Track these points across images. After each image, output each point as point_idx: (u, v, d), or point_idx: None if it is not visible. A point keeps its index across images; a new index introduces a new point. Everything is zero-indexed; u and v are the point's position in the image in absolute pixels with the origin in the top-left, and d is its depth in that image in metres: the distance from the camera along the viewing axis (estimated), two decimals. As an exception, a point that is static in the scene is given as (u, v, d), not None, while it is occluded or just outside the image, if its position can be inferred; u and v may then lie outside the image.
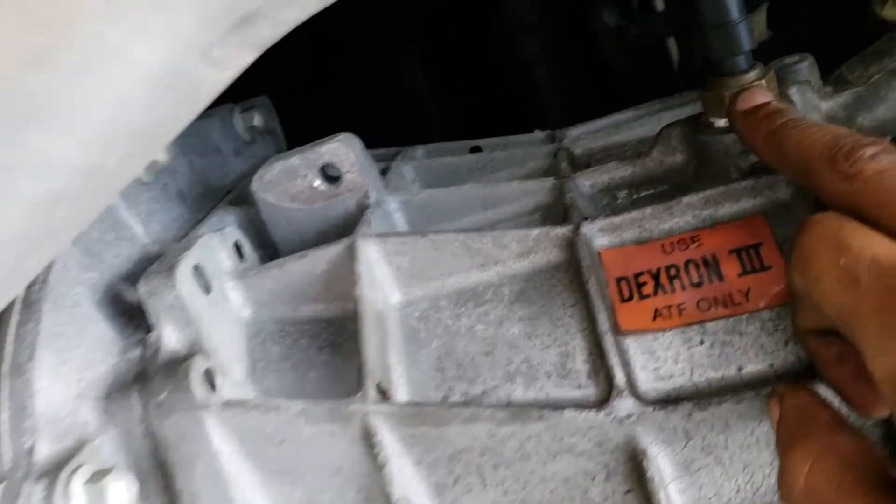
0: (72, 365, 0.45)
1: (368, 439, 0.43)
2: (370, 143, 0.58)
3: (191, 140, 0.64)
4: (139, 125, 0.27)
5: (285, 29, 0.28)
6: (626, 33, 0.86)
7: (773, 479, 0.42)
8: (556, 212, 0.54)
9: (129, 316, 0.49)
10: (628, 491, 0.42)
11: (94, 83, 0.25)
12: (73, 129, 0.26)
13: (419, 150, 0.69)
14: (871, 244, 0.31)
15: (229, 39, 0.26)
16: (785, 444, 0.36)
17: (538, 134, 0.69)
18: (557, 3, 0.90)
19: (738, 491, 0.42)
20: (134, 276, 0.51)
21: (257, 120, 0.72)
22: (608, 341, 0.43)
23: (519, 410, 0.43)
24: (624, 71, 0.88)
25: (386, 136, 0.80)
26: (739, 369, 0.42)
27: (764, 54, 0.58)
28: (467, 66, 0.95)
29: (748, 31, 0.48)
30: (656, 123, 0.61)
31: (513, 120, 0.95)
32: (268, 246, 0.58)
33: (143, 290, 0.46)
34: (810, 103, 0.51)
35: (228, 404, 0.43)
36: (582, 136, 0.64)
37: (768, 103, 0.45)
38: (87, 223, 0.31)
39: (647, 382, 0.43)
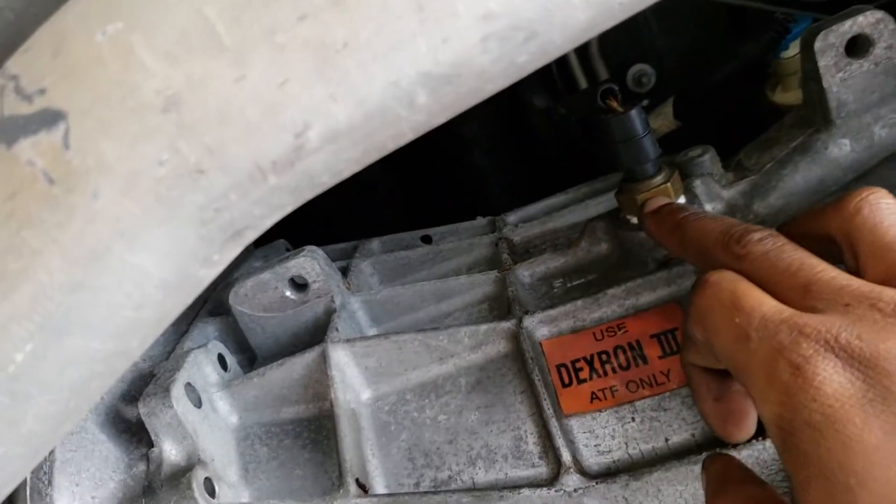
0: (84, 486, 0.51)
1: (353, 531, 0.49)
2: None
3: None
4: (154, 317, 0.34)
5: (264, 230, 0.34)
6: (555, 113, 0.95)
7: (702, 534, 0.49)
8: (502, 302, 0.61)
9: (131, 433, 0.55)
10: (581, 554, 0.49)
11: (121, 296, 0.32)
12: (104, 330, 0.32)
13: (375, 243, 0.76)
14: (761, 304, 0.36)
15: (224, 248, 0.33)
16: (711, 500, 0.43)
17: (480, 220, 0.76)
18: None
19: (673, 546, 0.49)
20: (130, 394, 0.57)
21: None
22: (553, 425, 0.50)
23: (481, 494, 0.49)
24: (554, 149, 0.96)
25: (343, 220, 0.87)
26: (667, 440, 0.50)
27: (671, 142, 0.67)
28: (413, 150, 1.02)
29: (652, 143, 0.55)
30: (584, 210, 0.69)
31: (456, 192, 1.04)
32: (246, 350, 0.64)
33: (143, 410, 0.52)
34: (713, 192, 0.59)
35: (227, 510, 0.50)
36: (519, 224, 0.71)
37: (670, 203, 0.52)
38: (109, 386, 0.37)
39: (590, 458, 0.50)
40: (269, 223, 0.34)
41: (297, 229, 0.74)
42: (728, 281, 0.38)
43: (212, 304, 0.68)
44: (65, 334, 0.31)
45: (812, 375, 0.32)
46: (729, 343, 0.36)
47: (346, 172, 0.33)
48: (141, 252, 0.31)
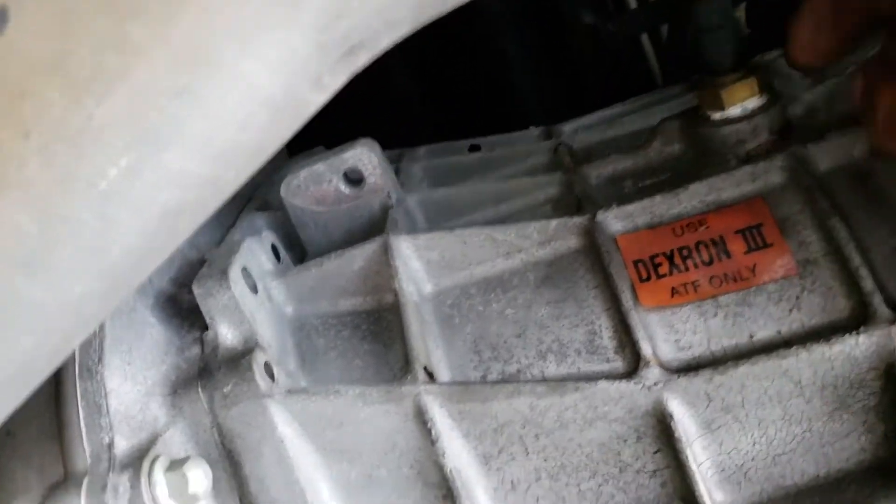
0: (136, 365, 0.48)
1: (420, 417, 0.47)
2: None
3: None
4: (255, 144, 0.31)
5: (377, 55, 0.32)
6: (603, 31, 0.91)
7: (785, 433, 0.47)
8: (567, 203, 0.58)
9: (182, 318, 0.52)
10: (657, 451, 0.47)
11: (226, 110, 0.29)
12: (204, 149, 0.30)
13: (422, 150, 0.73)
14: None
15: (336, 68, 0.30)
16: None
17: (533, 130, 0.73)
18: (535, 5, 0.95)
19: (754, 444, 0.47)
20: (179, 280, 0.55)
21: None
22: (633, 318, 0.48)
23: (556, 384, 0.47)
24: (599, 69, 0.93)
25: (372, 135, 0.84)
26: (751, 336, 0.48)
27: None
28: (448, 67, 0.99)
29: (738, 34, 0.53)
30: (646, 119, 0.66)
31: (493, 120, 1.00)
32: (295, 248, 0.61)
33: (198, 291, 0.49)
34: (792, 95, 0.56)
35: (291, 392, 0.47)
36: (577, 132, 0.68)
37: None
38: (194, 230, 0.34)
39: (670, 353, 0.48)
40: (384, 43, 0.31)
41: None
42: None
43: (257, 202, 0.65)
44: (163, 149, 0.29)
45: None
46: None
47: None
48: (253, 58, 0.28)
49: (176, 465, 0.44)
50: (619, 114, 0.71)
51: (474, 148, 0.74)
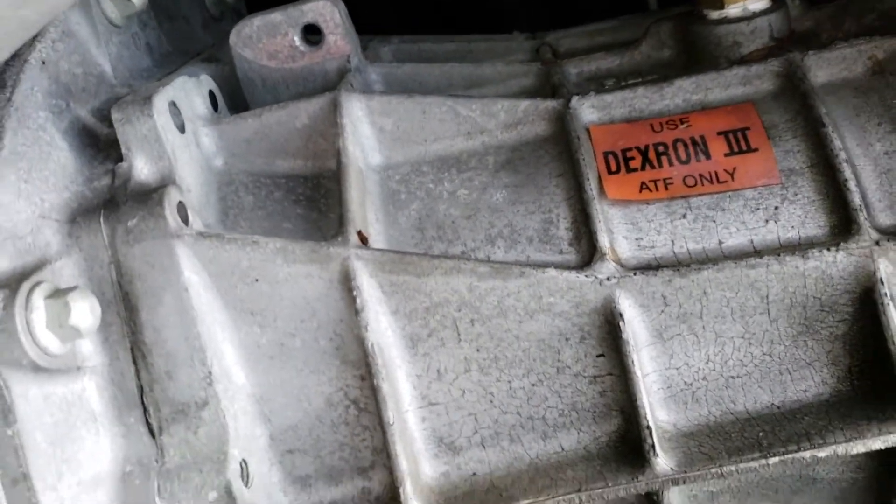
0: (34, 185, 0.42)
1: (347, 283, 0.42)
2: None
3: (160, 2, 0.61)
4: None
5: None
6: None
7: (743, 353, 0.43)
8: (544, 95, 0.53)
9: (97, 148, 0.46)
10: (601, 355, 0.43)
11: None
12: None
13: (394, 37, 0.68)
14: None
15: None
16: None
17: (518, 35, 0.68)
18: None
19: (707, 361, 0.43)
20: (101, 111, 0.49)
21: (228, -6, 0.70)
22: (594, 207, 0.43)
23: (501, 266, 0.42)
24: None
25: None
26: (720, 242, 0.43)
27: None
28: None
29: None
30: (638, 29, 0.61)
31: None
32: (238, 109, 0.55)
33: (116, 116, 0.44)
34: (801, 9, 0.52)
35: (203, 235, 0.42)
36: (565, 37, 0.63)
37: None
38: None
39: (629, 251, 0.44)
40: None
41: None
42: None
43: (207, 54, 0.59)
44: None
45: None
46: None
47: None
48: None
49: (60, 293, 0.39)
50: (610, 27, 0.66)
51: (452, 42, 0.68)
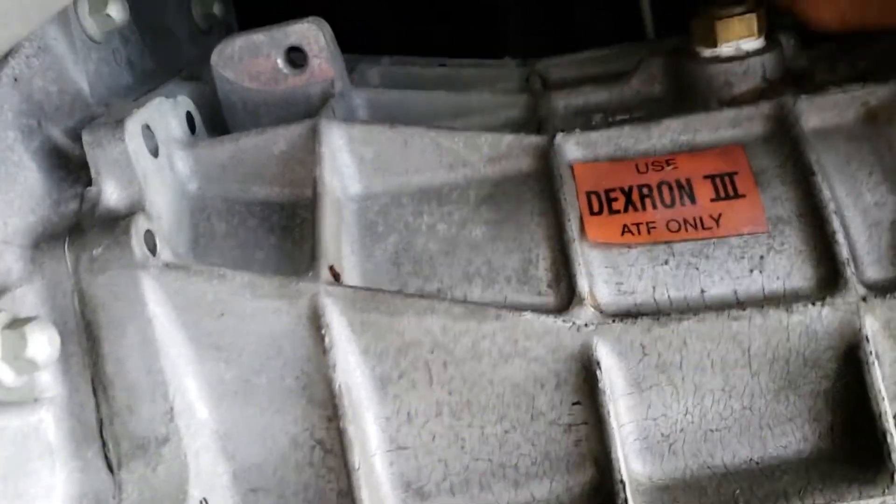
0: (-3, 208, 0.41)
1: (315, 320, 0.41)
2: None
3: (144, 14, 0.60)
4: None
5: None
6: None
7: (723, 406, 0.41)
8: (529, 129, 0.52)
9: (68, 171, 0.45)
10: (576, 402, 0.41)
11: None
12: None
13: (384, 58, 0.66)
14: None
15: None
16: None
17: (509, 61, 0.67)
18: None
19: (685, 413, 0.41)
20: (74, 131, 0.47)
21: (217, 8, 0.69)
22: (574, 250, 0.42)
23: (476, 308, 0.41)
24: (592, 19, 0.87)
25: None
26: (703, 291, 0.42)
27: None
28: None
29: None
30: (632, 59, 0.60)
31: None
32: (218, 129, 0.54)
33: (87, 139, 0.42)
34: (795, 50, 0.51)
35: (169, 267, 0.40)
36: (556, 65, 0.62)
37: None
38: None
39: (609, 296, 0.42)
40: None
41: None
42: None
43: (188, 72, 0.58)
44: None
45: None
46: None
47: None
48: None
49: (17, 324, 0.37)
50: (604, 55, 0.65)
51: (442, 66, 0.67)
